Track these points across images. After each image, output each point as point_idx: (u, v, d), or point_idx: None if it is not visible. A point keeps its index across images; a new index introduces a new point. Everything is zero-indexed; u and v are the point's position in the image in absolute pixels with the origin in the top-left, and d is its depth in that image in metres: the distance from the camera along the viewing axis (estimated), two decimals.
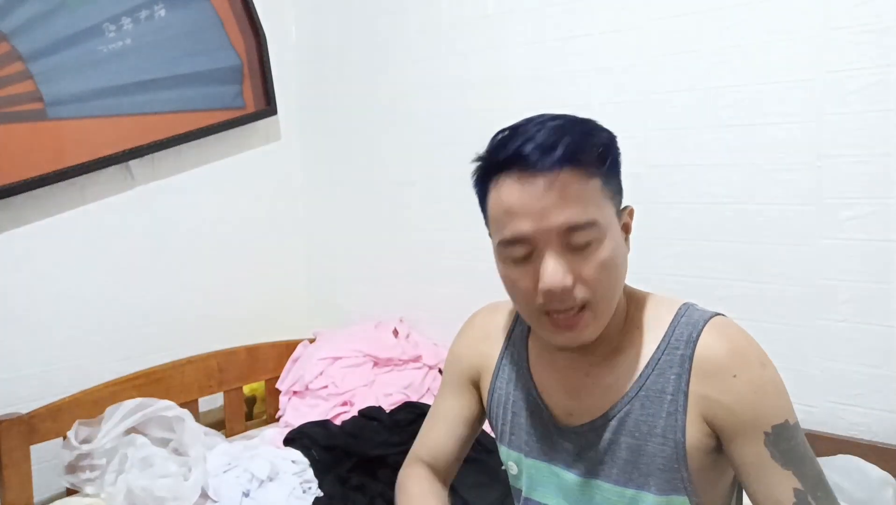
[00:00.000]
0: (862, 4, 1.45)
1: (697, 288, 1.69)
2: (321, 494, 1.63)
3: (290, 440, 1.86)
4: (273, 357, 2.20)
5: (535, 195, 0.75)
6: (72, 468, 1.63)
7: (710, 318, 0.83)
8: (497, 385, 0.97)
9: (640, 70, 1.74)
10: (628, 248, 0.83)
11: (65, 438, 1.69)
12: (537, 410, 0.91)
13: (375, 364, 2.12)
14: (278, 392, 2.15)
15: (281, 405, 2.11)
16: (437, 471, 1.01)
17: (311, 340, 2.27)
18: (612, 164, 0.79)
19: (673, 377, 0.81)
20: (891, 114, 1.44)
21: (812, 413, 1.56)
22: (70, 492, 1.66)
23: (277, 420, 2.08)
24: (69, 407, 1.71)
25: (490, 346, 0.99)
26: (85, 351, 1.92)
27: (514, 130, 0.78)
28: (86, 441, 1.65)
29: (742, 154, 1.61)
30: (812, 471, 0.77)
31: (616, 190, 0.80)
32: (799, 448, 0.77)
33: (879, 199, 1.46)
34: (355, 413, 1.93)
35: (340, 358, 2.11)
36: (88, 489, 1.62)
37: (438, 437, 1.01)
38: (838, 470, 1.42)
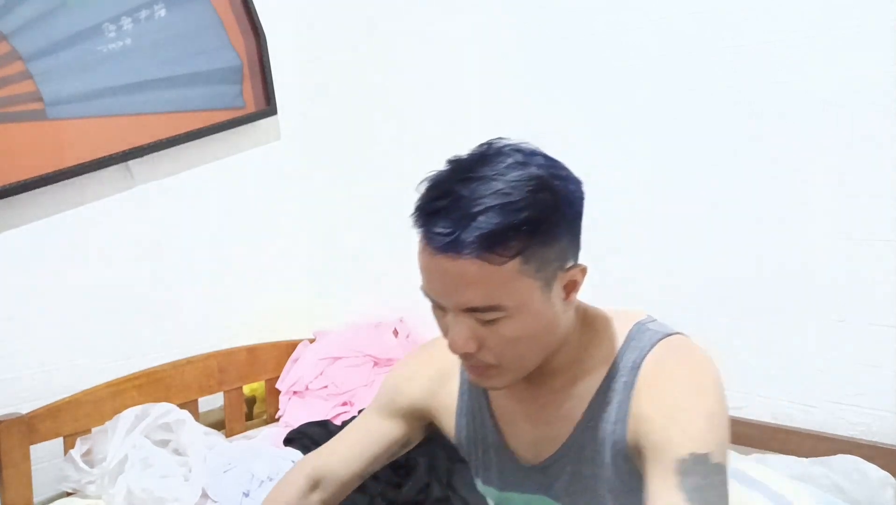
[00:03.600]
0: (862, 4, 1.45)
1: (697, 288, 1.69)
2: None
3: (290, 440, 1.86)
4: (273, 357, 2.19)
5: (437, 271, 0.73)
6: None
7: (660, 339, 0.80)
8: (462, 423, 0.95)
9: (641, 69, 1.74)
10: (569, 307, 0.79)
11: (65, 439, 1.69)
12: (501, 449, 0.90)
13: (375, 364, 2.12)
14: (278, 392, 2.15)
15: (281, 405, 2.11)
16: (321, 486, 0.98)
17: (311, 340, 2.27)
18: (542, 238, 0.72)
19: (616, 405, 0.79)
20: (891, 113, 1.43)
21: (812, 413, 1.56)
22: (70, 492, 1.66)
23: (277, 420, 2.08)
24: (69, 407, 1.71)
25: (446, 384, 0.95)
26: (85, 351, 1.91)
27: (430, 193, 0.74)
28: (87, 454, 1.65)
29: (742, 154, 1.61)
30: None
31: (549, 259, 0.74)
32: (713, 490, 0.70)
33: (881, 199, 1.46)
34: (355, 413, 1.93)
35: (340, 358, 2.11)
36: (89, 490, 1.62)
37: (342, 451, 0.99)
38: (838, 470, 1.42)
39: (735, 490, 1.38)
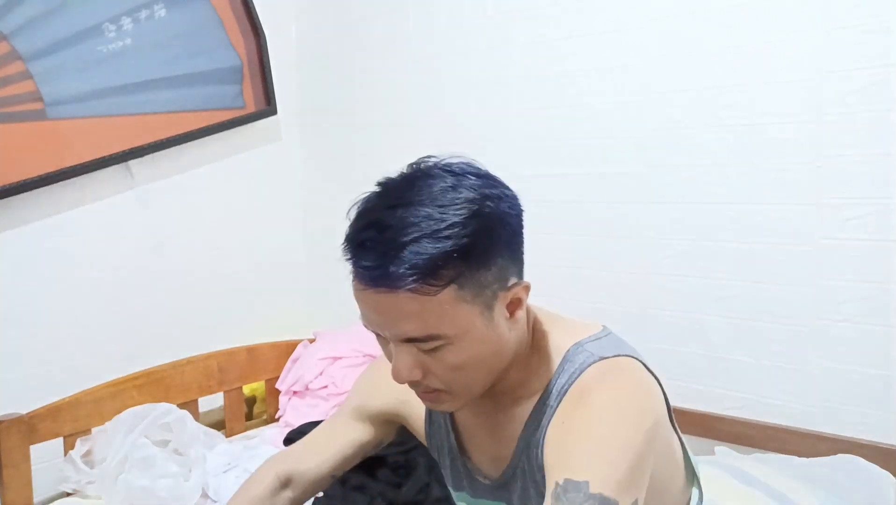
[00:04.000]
0: (862, 4, 1.45)
1: (697, 288, 1.69)
2: (321, 494, 1.63)
3: (290, 440, 1.86)
4: (273, 357, 2.19)
5: (370, 304, 0.71)
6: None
7: (593, 363, 0.76)
8: (431, 431, 0.94)
9: (639, 70, 1.74)
10: (515, 325, 0.76)
11: (65, 439, 1.69)
12: (465, 460, 0.89)
13: None
14: (278, 392, 2.15)
15: (281, 405, 2.11)
16: (290, 484, 0.97)
17: (311, 340, 2.27)
18: (477, 263, 0.70)
19: (544, 431, 0.77)
20: (891, 114, 1.43)
21: (812, 413, 1.56)
22: (70, 492, 1.66)
23: (277, 420, 2.08)
24: (69, 407, 1.70)
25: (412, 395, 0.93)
26: (85, 351, 1.91)
27: (358, 222, 0.72)
28: (87, 454, 1.66)
29: (742, 154, 1.61)
30: None
31: (486, 282, 0.71)
32: None
33: (879, 200, 1.46)
34: None
35: (340, 358, 2.11)
36: (89, 490, 1.62)
37: (313, 452, 0.98)
38: (838, 470, 1.42)
39: (736, 488, 1.39)
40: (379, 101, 2.28)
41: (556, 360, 0.79)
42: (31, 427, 1.63)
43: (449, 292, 0.69)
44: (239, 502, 0.96)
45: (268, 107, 2.32)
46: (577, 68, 1.84)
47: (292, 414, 2.02)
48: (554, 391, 0.77)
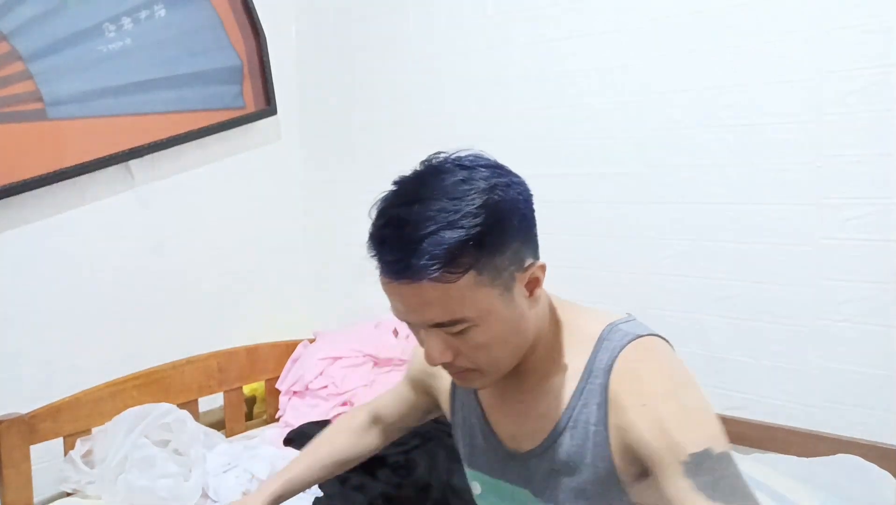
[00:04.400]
0: (862, 4, 1.45)
1: (697, 288, 1.69)
2: (321, 493, 1.63)
3: (290, 440, 1.86)
4: (273, 357, 2.19)
5: (397, 295, 0.77)
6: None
7: (630, 341, 0.81)
8: (455, 408, 1.00)
9: (639, 70, 1.74)
10: (535, 303, 0.82)
11: (65, 439, 1.69)
12: (488, 434, 0.93)
13: (375, 364, 2.12)
14: (278, 392, 2.15)
15: (281, 405, 2.11)
16: (379, 422, 1.15)
17: (311, 340, 2.27)
18: (492, 248, 0.75)
19: (595, 407, 0.81)
20: (891, 114, 1.44)
21: (812, 413, 1.56)
22: (70, 492, 1.66)
23: (277, 420, 2.08)
24: (69, 407, 1.70)
25: (442, 371, 0.99)
26: (85, 351, 1.91)
27: (378, 221, 0.76)
28: (87, 454, 1.66)
29: (742, 154, 1.61)
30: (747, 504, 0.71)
31: (502, 266, 0.76)
32: (727, 479, 0.71)
33: (879, 199, 1.46)
34: None
35: (340, 358, 2.10)
36: (89, 490, 1.62)
37: (387, 404, 1.15)
38: (838, 470, 1.42)
39: None
40: (379, 101, 2.28)
41: (591, 339, 0.83)
42: (31, 427, 1.63)
43: (468, 278, 0.74)
44: (338, 428, 1.16)
45: (268, 107, 2.32)
46: (577, 68, 1.84)
47: (292, 414, 2.01)
48: (595, 369, 0.81)
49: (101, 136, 1.92)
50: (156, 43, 2.03)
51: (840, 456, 1.46)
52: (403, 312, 0.78)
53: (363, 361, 2.11)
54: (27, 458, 1.61)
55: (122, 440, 1.63)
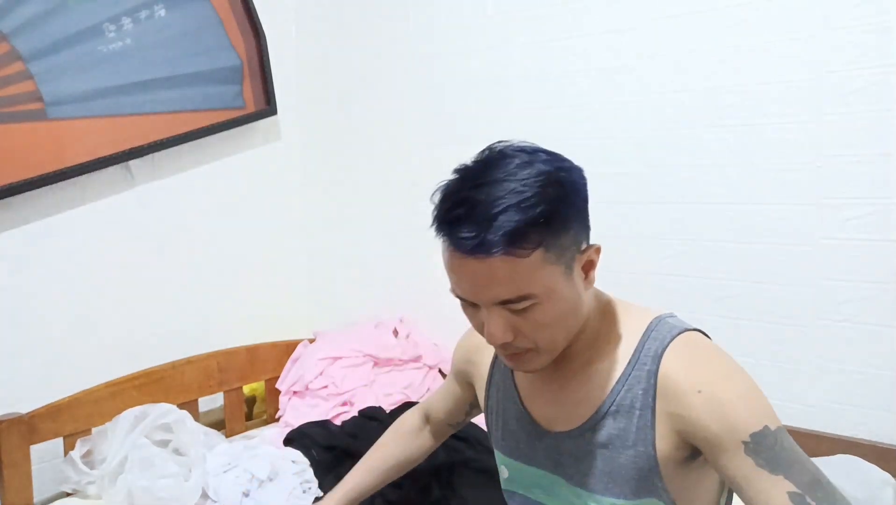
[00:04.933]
0: (862, 4, 1.45)
1: (697, 288, 1.69)
2: (321, 494, 1.63)
3: (290, 440, 1.86)
4: (273, 357, 2.19)
5: (466, 273, 0.79)
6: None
7: (679, 333, 0.85)
8: (490, 394, 1.04)
9: (639, 70, 1.74)
10: (590, 285, 0.86)
11: (65, 439, 1.69)
12: (522, 416, 0.95)
13: (375, 364, 2.12)
14: (278, 392, 2.15)
15: (281, 405, 2.11)
16: (429, 422, 1.23)
17: (311, 340, 2.27)
18: (558, 227, 0.78)
19: (641, 392, 0.83)
20: (891, 114, 1.44)
21: (812, 413, 1.56)
22: (70, 492, 1.66)
23: (277, 420, 2.08)
24: (69, 407, 1.70)
25: (481, 357, 1.07)
26: (85, 351, 1.91)
27: (447, 203, 0.79)
28: (87, 455, 1.65)
29: (742, 154, 1.61)
30: (806, 472, 0.76)
31: (566, 245, 0.80)
32: (785, 452, 0.76)
33: (879, 199, 1.46)
34: (355, 413, 1.93)
35: (340, 358, 2.11)
36: (89, 490, 1.62)
37: (435, 401, 1.21)
38: (838, 470, 1.41)
39: None
40: (379, 101, 2.28)
41: (639, 329, 0.87)
42: (31, 427, 1.63)
43: (537, 255, 0.77)
44: (390, 434, 1.24)
45: (268, 107, 2.32)
46: (577, 68, 1.84)
47: (292, 414, 2.01)
48: (643, 357, 0.84)
49: (101, 136, 1.92)
50: (156, 43, 2.03)
51: (840, 456, 1.46)
52: (471, 290, 0.80)
53: (363, 361, 2.11)
54: (27, 458, 1.61)
55: (122, 440, 1.63)
